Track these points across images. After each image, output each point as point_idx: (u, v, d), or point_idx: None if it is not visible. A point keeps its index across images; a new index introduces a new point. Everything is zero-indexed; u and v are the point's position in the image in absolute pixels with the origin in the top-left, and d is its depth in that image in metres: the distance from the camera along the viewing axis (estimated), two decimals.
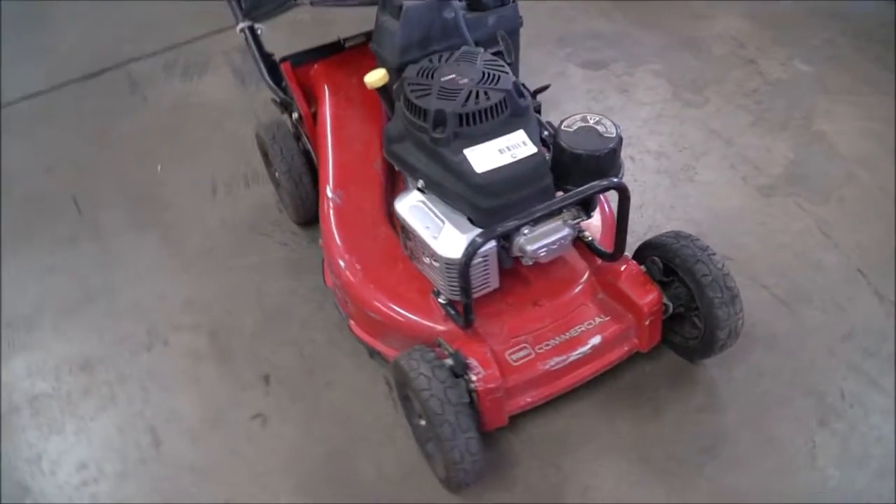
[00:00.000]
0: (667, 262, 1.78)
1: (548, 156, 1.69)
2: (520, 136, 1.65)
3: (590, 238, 1.85)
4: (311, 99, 2.17)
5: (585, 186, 1.60)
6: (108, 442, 1.87)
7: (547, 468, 1.75)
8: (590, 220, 1.81)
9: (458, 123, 1.62)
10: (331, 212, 1.96)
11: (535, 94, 1.91)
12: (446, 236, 1.65)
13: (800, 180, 2.37)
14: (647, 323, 1.77)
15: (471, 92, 1.64)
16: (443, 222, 1.67)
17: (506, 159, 1.61)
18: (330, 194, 1.99)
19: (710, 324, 1.73)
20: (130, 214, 2.47)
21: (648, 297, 1.75)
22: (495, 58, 1.75)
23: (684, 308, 1.80)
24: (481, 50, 1.78)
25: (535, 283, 1.83)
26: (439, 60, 1.74)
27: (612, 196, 1.70)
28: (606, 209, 1.98)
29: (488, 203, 1.61)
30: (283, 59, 2.13)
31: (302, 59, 2.15)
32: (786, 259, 2.15)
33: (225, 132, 2.70)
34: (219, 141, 2.68)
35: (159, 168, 2.61)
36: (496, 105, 1.63)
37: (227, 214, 2.42)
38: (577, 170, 1.64)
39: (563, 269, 1.85)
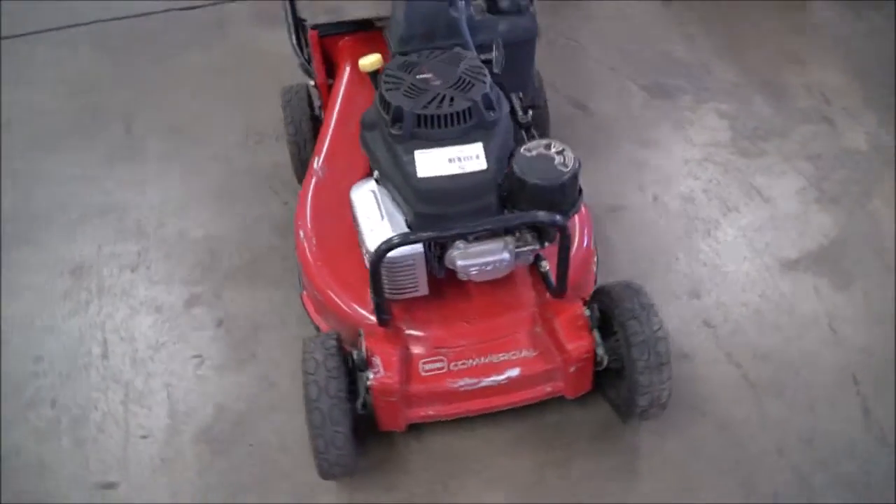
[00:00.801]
0: (606, 311, 1.68)
1: None
2: (476, 148, 1.60)
3: (546, 269, 1.78)
4: (333, 71, 2.21)
5: (513, 215, 1.54)
6: (66, 344, 2.04)
7: (435, 484, 1.73)
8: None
9: (415, 123, 1.60)
10: (311, 183, 2.00)
11: (525, 110, 1.84)
12: (380, 231, 1.64)
13: (828, 261, 2.14)
14: (572, 369, 1.69)
15: (437, 95, 1.61)
16: (383, 217, 1.67)
17: (452, 169, 1.58)
18: (316, 166, 2.03)
19: (631, 387, 1.62)
20: (167, 143, 2.63)
21: (577, 344, 1.66)
22: (481, 65, 1.70)
23: (622, 364, 1.70)
24: (472, 54, 1.73)
25: (476, 299, 1.79)
26: (426, 57, 1.72)
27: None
28: (585, 242, 1.90)
29: (424, 209, 1.59)
30: (315, 27, 2.17)
31: (330, 31, 2.18)
32: (776, 343, 1.96)
33: (277, 83, 2.75)
34: (268, 91, 2.74)
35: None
36: (459, 113, 1.59)
37: (248, 162, 2.53)
38: (523, 196, 1.58)
39: (508, 293, 1.79)
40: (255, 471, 1.76)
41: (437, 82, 1.64)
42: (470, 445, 1.79)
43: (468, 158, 1.59)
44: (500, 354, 1.72)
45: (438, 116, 1.59)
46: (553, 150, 1.60)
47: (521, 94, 1.88)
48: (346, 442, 1.56)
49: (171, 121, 2.71)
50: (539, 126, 2.30)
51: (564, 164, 1.57)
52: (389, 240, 1.51)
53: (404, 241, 1.52)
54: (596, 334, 1.69)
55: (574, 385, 1.72)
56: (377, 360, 1.65)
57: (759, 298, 2.06)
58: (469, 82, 1.64)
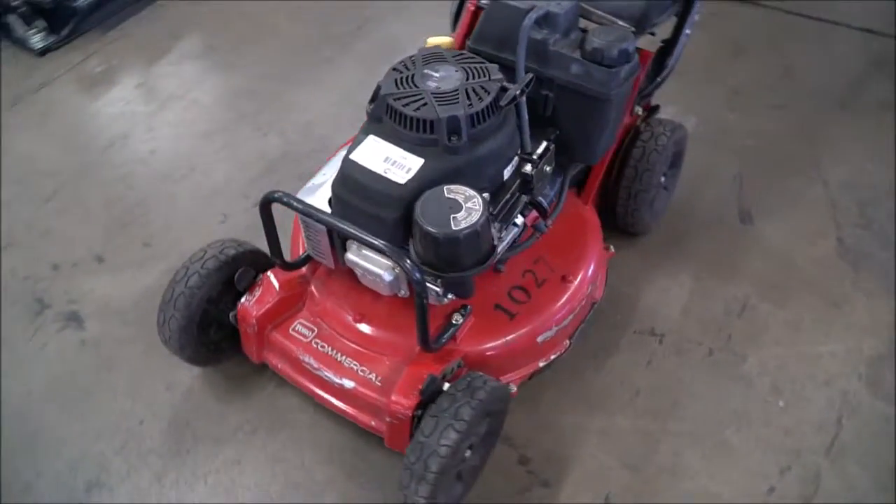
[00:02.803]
0: None
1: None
2: (414, 162, 1.50)
3: (454, 322, 1.63)
4: None
5: (375, 240, 1.43)
6: (163, 164, 2.49)
7: (248, 425, 1.79)
8: None
9: (384, 110, 1.55)
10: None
11: (535, 163, 1.61)
12: (313, 185, 1.67)
13: None
14: (388, 419, 1.57)
15: (416, 95, 1.53)
16: (328, 177, 1.68)
17: (378, 168, 1.51)
18: None
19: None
20: (369, 49, 2.91)
21: (398, 398, 1.53)
22: (489, 90, 1.53)
23: None
24: (498, 77, 1.57)
25: (382, 306, 1.72)
26: (457, 59, 1.61)
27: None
28: (551, 324, 1.70)
29: (336, 188, 1.57)
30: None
31: None
32: None
33: None
34: None
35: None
36: (418, 120, 1.49)
37: None
38: (416, 230, 1.45)
39: (410, 318, 1.69)
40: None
41: (434, 85, 1.55)
42: (301, 420, 1.80)
43: (399, 167, 1.50)
44: (353, 362, 1.67)
45: (401, 114, 1.51)
46: (467, 202, 1.43)
47: (552, 143, 1.66)
48: (179, 328, 1.68)
49: (392, 36, 2.95)
50: (634, 209, 2.01)
51: (458, 221, 1.40)
52: (270, 193, 1.54)
53: (279, 199, 1.53)
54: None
55: (390, 436, 1.60)
56: (257, 291, 1.73)
57: None
58: (455, 99, 1.51)
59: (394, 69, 1.61)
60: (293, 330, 1.74)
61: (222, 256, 1.72)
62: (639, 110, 1.96)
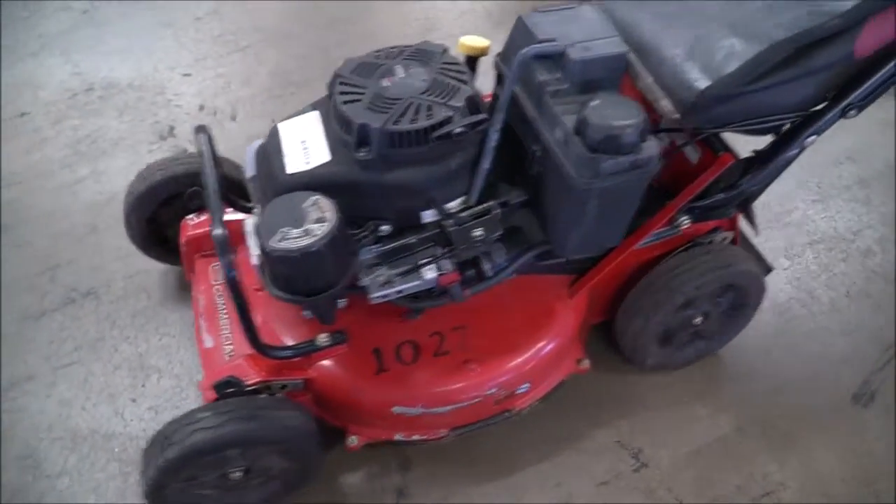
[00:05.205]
0: None
1: None
2: (321, 156, 1.30)
3: (316, 343, 1.44)
4: None
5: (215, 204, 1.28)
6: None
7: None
8: None
9: (332, 89, 1.35)
10: None
11: (460, 221, 1.31)
12: None
13: None
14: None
15: (360, 88, 1.30)
16: None
17: (287, 146, 1.34)
18: None
19: None
20: None
21: (204, 380, 1.45)
22: (439, 113, 1.24)
23: None
24: (458, 104, 1.26)
25: None
26: (445, 69, 1.33)
27: None
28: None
29: (258, 150, 1.43)
30: None
31: None
32: None
33: None
34: None
35: None
36: (341, 116, 1.28)
37: None
38: None
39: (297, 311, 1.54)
40: None
41: (386, 84, 1.31)
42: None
43: (305, 155, 1.32)
44: (227, 326, 1.59)
45: (334, 101, 1.31)
46: (313, 223, 1.20)
47: (500, 208, 1.33)
48: (125, 217, 1.74)
49: None
50: None
51: (283, 238, 1.19)
52: (197, 127, 1.47)
53: (204, 136, 1.44)
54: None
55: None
56: (205, 215, 1.71)
57: None
58: (388, 108, 1.26)
59: (375, 52, 1.39)
60: (213, 267, 1.70)
61: (168, 172, 1.70)
62: (685, 222, 1.47)
